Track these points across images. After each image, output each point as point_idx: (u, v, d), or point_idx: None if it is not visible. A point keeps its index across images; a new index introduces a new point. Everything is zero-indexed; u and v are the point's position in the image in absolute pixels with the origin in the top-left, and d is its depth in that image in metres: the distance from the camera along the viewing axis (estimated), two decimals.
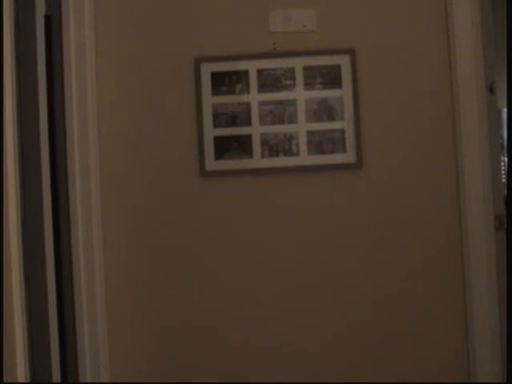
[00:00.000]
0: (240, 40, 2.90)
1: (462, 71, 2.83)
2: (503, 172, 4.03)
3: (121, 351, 2.87)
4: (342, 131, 2.89)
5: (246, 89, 2.90)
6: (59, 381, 2.81)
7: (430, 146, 2.88)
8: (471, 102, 2.83)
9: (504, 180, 3.72)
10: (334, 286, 2.88)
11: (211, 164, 2.89)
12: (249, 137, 2.89)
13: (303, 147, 2.89)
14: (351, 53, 2.88)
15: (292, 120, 2.89)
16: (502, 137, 5.09)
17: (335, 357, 2.87)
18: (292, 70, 2.90)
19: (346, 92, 2.89)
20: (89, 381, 2.80)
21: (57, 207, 2.87)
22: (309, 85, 2.89)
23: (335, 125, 2.89)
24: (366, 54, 2.89)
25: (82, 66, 2.83)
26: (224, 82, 2.90)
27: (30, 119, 2.78)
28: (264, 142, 2.89)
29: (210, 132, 2.89)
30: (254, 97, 2.90)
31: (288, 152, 2.89)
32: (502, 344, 2.77)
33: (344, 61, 2.89)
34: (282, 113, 2.90)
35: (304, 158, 2.89)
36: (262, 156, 2.89)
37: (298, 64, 2.89)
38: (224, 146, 2.89)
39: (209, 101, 2.89)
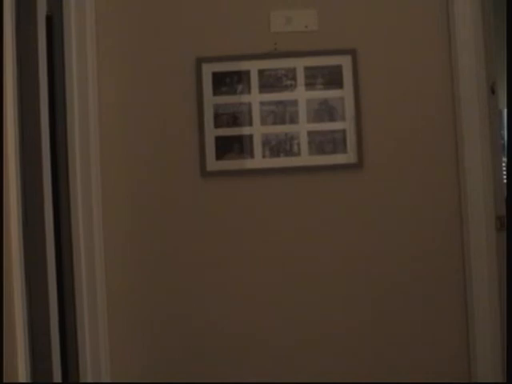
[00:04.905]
0: (241, 40, 2.90)
1: (463, 72, 2.83)
2: (504, 173, 4.02)
3: (121, 351, 2.88)
4: (343, 131, 2.89)
5: (247, 89, 2.90)
6: (60, 381, 2.82)
7: (431, 147, 2.88)
8: (472, 102, 2.83)
9: (505, 181, 3.71)
10: (334, 286, 2.88)
11: (212, 164, 2.89)
12: (250, 137, 2.89)
13: (304, 147, 2.88)
14: (352, 53, 2.87)
15: (293, 120, 2.89)
16: (503, 137, 5.08)
17: (335, 357, 2.88)
18: (293, 71, 2.90)
19: (347, 92, 2.89)
20: (89, 381, 2.80)
21: (58, 208, 2.87)
22: (310, 85, 2.89)
23: (336, 125, 2.89)
24: (367, 54, 2.89)
25: (83, 66, 2.83)
26: (225, 82, 2.90)
27: (31, 120, 2.78)
28: (265, 143, 2.89)
29: (211, 132, 2.89)
30: (255, 97, 2.90)
31: (289, 152, 2.89)
32: (502, 344, 2.78)
33: (345, 61, 2.88)
34: (283, 113, 2.90)
35: (305, 159, 2.89)
36: (263, 156, 2.89)
37: (299, 64, 2.89)
38: (225, 147, 2.89)
39: (210, 101, 2.89)
